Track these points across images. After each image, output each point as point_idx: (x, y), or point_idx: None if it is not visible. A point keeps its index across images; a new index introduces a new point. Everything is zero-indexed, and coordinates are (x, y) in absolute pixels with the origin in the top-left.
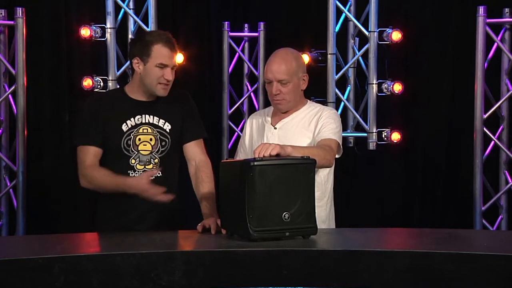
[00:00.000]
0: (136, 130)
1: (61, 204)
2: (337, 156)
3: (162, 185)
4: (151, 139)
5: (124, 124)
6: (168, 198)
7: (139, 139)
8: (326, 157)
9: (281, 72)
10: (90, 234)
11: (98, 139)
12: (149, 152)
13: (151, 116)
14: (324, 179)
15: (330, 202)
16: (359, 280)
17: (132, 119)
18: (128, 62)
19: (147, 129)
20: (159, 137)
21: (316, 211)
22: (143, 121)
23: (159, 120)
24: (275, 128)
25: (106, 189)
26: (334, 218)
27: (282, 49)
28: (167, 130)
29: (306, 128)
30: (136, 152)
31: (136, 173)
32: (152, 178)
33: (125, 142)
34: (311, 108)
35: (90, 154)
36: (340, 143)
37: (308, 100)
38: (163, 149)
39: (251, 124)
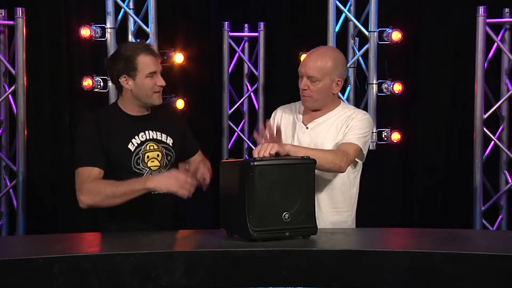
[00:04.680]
0: (143, 148)
1: (61, 204)
2: (358, 161)
3: (169, 196)
4: (158, 155)
5: (130, 143)
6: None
7: (148, 156)
8: (333, 161)
9: (313, 69)
10: (90, 234)
11: (101, 161)
12: (158, 167)
13: (154, 132)
14: (349, 184)
15: (354, 206)
16: (359, 280)
17: (136, 137)
18: None
19: (153, 146)
20: (164, 152)
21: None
22: (148, 138)
23: (161, 135)
24: (307, 128)
25: (115, 196)
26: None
27: (326, 46)
28: (170, 145)
29: (337, 131)
30: (148, 169)
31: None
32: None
33: (134, 161)
34: (345, 111)
35: (92, 174)
36: (364, 149)
37: (342, 102)
38: (169, 163)
39: (280, 117)
